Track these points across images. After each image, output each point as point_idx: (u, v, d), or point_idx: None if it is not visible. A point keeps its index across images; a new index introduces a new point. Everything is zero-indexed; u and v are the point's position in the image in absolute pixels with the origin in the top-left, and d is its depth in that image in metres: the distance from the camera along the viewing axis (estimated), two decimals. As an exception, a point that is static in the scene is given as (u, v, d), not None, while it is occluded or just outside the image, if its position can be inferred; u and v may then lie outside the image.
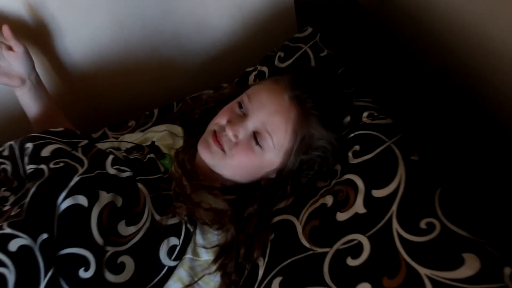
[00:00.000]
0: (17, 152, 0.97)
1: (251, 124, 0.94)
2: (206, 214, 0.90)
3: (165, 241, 0.87)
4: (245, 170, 0.97)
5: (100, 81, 1.36)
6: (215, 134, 0.96)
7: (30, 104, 1.14)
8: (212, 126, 0.99)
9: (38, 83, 1.13)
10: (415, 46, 1.09)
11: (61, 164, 0.88)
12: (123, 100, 1.43)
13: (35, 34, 1.19)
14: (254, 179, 0.99)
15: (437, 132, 0.91)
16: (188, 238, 0.90)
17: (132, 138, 1.15)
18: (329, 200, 0.88)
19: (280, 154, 0.94)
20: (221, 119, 0.98)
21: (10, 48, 1.06)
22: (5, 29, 1.04)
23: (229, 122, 0.95)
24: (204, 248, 0.89)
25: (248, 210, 0.94)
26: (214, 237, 0.91)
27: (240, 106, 0.97)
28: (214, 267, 0.88)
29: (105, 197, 0.86)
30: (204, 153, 0.97)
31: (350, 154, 0.91)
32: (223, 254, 0.89)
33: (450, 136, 0.90)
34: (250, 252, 0.89)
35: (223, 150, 0.95)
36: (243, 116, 0.96)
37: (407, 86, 0.99)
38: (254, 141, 0.93)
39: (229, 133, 0.94)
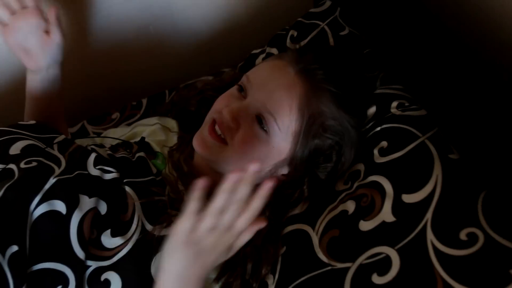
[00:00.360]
0: None
1: (252, 105, 0.94)
2: None
3: (158, 255, 0.88)
4: (250, 160, 0.96)
5: (75, 65, 1.36)
6: (212, 124, 0.97)
7: (34, 93, 1.14)
8: (210, 115, 1.00)
9: (53, 80, 1.14)
10: (455, 23, 1.09)
11: (34, 164, 0.89)
12: (105, 87, 1.44)
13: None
14: (261, 176, 0.99)
15: (480, 126, 0.92)
16: None
17: (118, 133, 1.16)
18: (350, 206, 0.88)
19: (288, 138, 0.94)
20: (219, 105, 0.98)
21: (48, 32, 1.08)
22: (53, 11, 1.06)
23: (227, 106, 0.96)
24: None
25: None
26: None
27: (240, 89, 0.98)
28: (216, 287, 0.89)
29: (86, 202, 0.86)
30: (199, 148, 0.97)
31: (376, 151, 0.92)
32: (227, 271, 0.90)
33: (496, 131, 0.91)
34: (258, 267, 0.90)
35: (220, 141, 0.95)
36: (243, 99, 0.97)
37: (445, 71, 0.99)
38: (257, 126, 0.94)
39: (227, 116, 0.94)
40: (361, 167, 0.93)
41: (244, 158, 0.96)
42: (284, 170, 0.98)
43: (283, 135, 0.94)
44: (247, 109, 0.95)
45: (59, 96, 1.17)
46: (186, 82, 1.34)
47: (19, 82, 1.23)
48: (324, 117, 0.94)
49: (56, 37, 1.08)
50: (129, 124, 1.26)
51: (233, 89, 1.00)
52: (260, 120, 0.93)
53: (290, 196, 0.97)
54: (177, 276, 0.78)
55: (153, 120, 1.17)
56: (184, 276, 0.78)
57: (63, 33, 1.08)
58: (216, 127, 0.96)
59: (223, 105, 0.97)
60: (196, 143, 0.97)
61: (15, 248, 0.81)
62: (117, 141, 1.08)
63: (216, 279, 0.89)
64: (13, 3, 1.06)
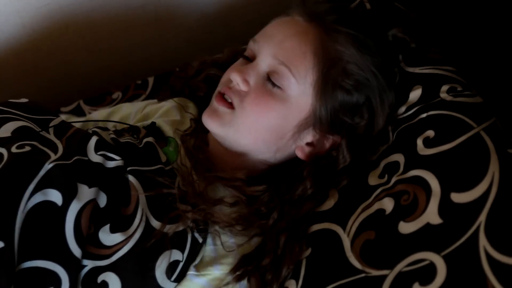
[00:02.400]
0: None
1: (262, 62, 0.98)
2: (231, 211, 0.93)
3: (165, 255, 0.89)
4: (267, 126, 0.98)
5: (72, 38, 1.38)
6: (220, 94, 0.99)
7: None
8: (217, 88, 1.03)
9: None
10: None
11: (27, 148, 0.89)
12: (106, 63, 1.45)
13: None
14: (285, 147, 1.00)
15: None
16: (195, 252, 0.91)
17: (125, 111, 1.17)
18: (388, 204, 0.88)
19: (307, 89, 0.96)
20: (225, 75, 1.02)
21: None
22: None
23: (234, 68, 1.00)
24: (227, 251, 0.92)
25: (299, 190, 0.96)
26: (230, 240, 0.93)
27: (247, 58, 1.02)
28: (232, 276, 0.90)
29: (86, 192, 0.87)
30: (209, 122, 0.99)
31: (419, 141, 0.92)
32: (248, 260, 0.91)
33: None
34: (279, 263, 0.90)
35: (230, 107, 0.97)
36: (252, 62, 1.00)
37: (507, 51, 0.99)
38: (270, 84, 0.96)
39: (237, 78, 0.97)
40: (400, 158, 0.93)
41: (260, 123, 0.98)
42: (309, 136, 0.99)
43: (301, 87, 0.96)
44: (258, 68, 0.98)
45: None
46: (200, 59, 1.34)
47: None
48: (344, 61, 0.96)
49: None
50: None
51: (239, 60, 1.04)
52: (271, 79, 0.96)
53: (334, 163, 0.98)
54: None
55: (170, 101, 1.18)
56: None
57: None
58: (226, 96, 0.98)
59: (230, 73, 1.00)
60: (206, 116, 1.00)
61: (0, 244, 0.81)
62: (125, 124, 1.10)
63: (233, 270, 0.91)
64: None
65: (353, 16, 1.00)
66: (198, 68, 1.20)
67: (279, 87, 0.95)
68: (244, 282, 0.91)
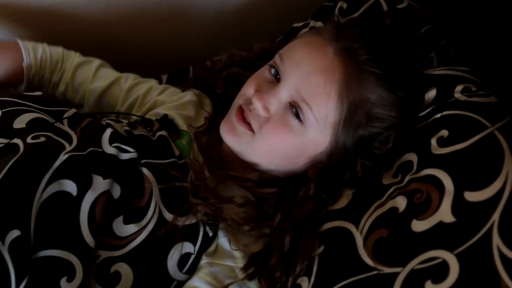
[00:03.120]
0: None
1: (284, 91, 0.95)
2: (239, 210, 0.93)
3: (177, 247, 0.90)
4: (282, 154, 0.98)
5: (88, 35, 1.39)
6: (240, 110, 0.98)
7: None
8: (237, 100, 1.01)
9: None
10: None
11: (42, 139, 0.90)
12: (120, 60, 1.45)
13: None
14: (296, 169, 1.00)
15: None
16: (206, 245, 0.92)
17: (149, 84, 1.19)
18: (401, 203, 0.88)
19: (326, 130, 0.94)
20: (247, 89, 0.99)
21: None
22: None
23: (258, 91, 0.96)
24: (233, 249, 0.92)
25: (302, 192, 0.96)
26: (244, 239, 0.93)
27: (272, 70, 0.99)
28: (244, 274, 0.91)
29: (100, 183, 0.88)
30: (227, 136, 0.99)
31: (433, 141, 0.91)
32: (258, 258, 0.91)
33: None
34: (293, 258, 0.91)
35: (251, 129, 0.97)
36: (276, 82, 0.97)
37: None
38: (291, 115, 0.94)
39: (257, 104, 0.95)
40: (413, 157, 0.93)
41: (273, 151, 0.98)
42: (322, 162, 0.99)
43: (320, 127, 0.94)
44: (280, 95, 0.95)
45: None
46: (213, 58, 1.34)
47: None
48: (369, 105, 0.94)
49: None
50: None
51: (264, 70, 1.01)
52: (295, 109, 0.94)
53: (341, 176, 0.97)
54: None
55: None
56: None
57: None
58: (245, 115, 0.97)
59: (252, 89, 0.98)
60: (224, 130, 1.00)
61: (16, 233, 0.82)
62: (138, 117, 1.10)
63: (245, 268, 0.91)
64: None
65: (386, 50, 0.96)
66: (225, 63, 1.18)
67: (300, 120, 0.94)
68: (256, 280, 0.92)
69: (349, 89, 0.92)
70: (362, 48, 0.94)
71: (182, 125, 1.08)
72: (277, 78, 0.98)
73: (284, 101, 0.95)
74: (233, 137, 0.99)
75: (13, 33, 1.30)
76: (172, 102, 1.15)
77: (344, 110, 0.93)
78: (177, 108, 1.12)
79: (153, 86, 1.21)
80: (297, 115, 0.94)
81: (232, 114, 0.99)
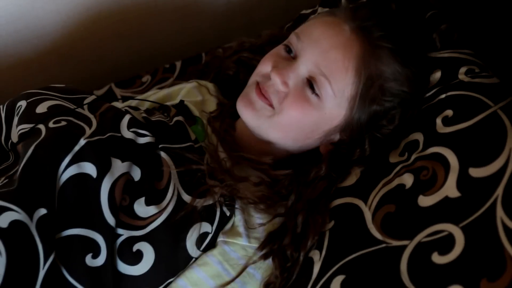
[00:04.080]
0: (2, 114, 1.01)
1: (303, 66, 0.95)
2: (254, 190, 0.93)
3: (195, 227, 0.90)
4: (299, 128, 0.98)
5: (105, 24, 1.39)
6: (258, 86, 0.98)
7: None
8: (254, 77, 1.01)
9: None
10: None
11: (63, 123, 0.91)
12: (135, 48, 1.46)
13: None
14: (310, 144, 1.00)
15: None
16: (223, 224, 0.93)
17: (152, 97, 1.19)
18: (408, 180, 0.89)
19: (343, 103, 0.95)
20: (264, 67, 0.99)
21: None
22: None
23: (275, 67, 0.96)
24: (248, 229, 0.92)
25: (313, 173, 0.96)
26: (258, 219, 0.94)
27: (288, 49, 0.99)
28: (259, 254, 0.91)
29: (119, 166, 0.88)
30: (245, 111, 0.99)
31: (439, 120, 0.92)
32: (273, 238, 0.91)
33: None
34: (304, 234, 0.91)
35: (271, 105, 0.97)
36: (292, 60, 0.98)
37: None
38: (309, 89, 0.95)
39: (276, 80, 0.95)
40: (419, 136, 0.93)
41: (293, 125, 0.97)
42: (335, 137, 0.99)
43: (337, 100, 0.95)
44: (298, 71, 0.96)
45: None
46: (224, 45, 1.35)
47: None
48: (383, 79, 0.95)
49: None
50: (161, 89, 1.28)
51: (279, 49, 1.01)
52: (311, 84, 0.94)
53: (351, 154, 0.98)
54: None
55: (191, 81, 1.18)
56: None
57: None
58: (263, 91, 0.97)
59: (269, 67, 0.98)
60: (241, 105, 0.99)
61: (43, 211, 0.83)
62: (155, 103, 1.10)
63: (260, 247, 0.91)
64: None
65: (397, 28, 0.97)
66: (236, 49, 1.18)
67: (316, 95, 0.95)
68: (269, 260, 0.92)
69: (366, 64, 0.94)
70: (375, 26, 0.95)
71: (195, 111, 1.08)
72: (292, 56, 0.98)
73: (302, 76, 0.95)
74: (252, 111, 0.98)
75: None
76: (177, 94, 1.16)
77: (361, 84, 0.94)
78: (184, 97, 1.12)
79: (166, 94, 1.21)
80: (314, 90, 0.94)
81: (251, 89, 0.99)
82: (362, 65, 0.94)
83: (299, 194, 0.94)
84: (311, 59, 0.95)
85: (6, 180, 0.88)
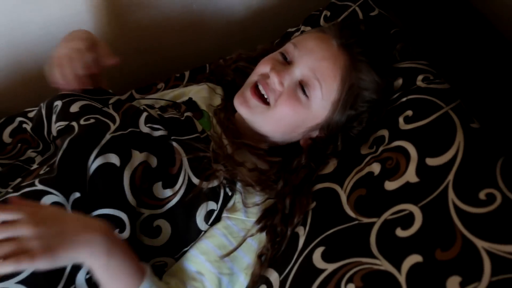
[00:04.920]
0: (43, 111, 1.01)
1: (298, 70, 0.95)
2: (251, 174, 0.92)
3: (203, 206, 0.90)
4: (288, 124, 0.97)
5: (126, 40, 1.38)
6: (254, 86, 0.97)
7: None
8: (253, 76, 1.00)
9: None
10: (479, 4, 1.08)
11: (92, 121, 0.91)
12: (151, 60, 1.45)
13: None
14: (294, 137, 1.00)
15: (500, 99, 0.91)
16: (226, 202, 0.92)
17: (167, 96, 1.18)
18: (376, 168, 0.89)
19: (327, 106, 0.95)
20: (263, 68, 0.99)
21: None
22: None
23: (273, 69, 0.96)
24: (246, 206, 0.92)
25: (296, 162, 0.95)
26: (256, 198, 0.93)
27: (284, 56, 0.98)
28: (256, 227, 0.90)
29: (138, 156, 0.88)
30: (241, 108, 0.98)
31: (401, 119, 0.92)
32: (267, 214, 0.91)
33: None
34: (292, 213, 0.91)
35: (263, 102, 0.96)
36: (287, 64, 0.97)
37: (467, 48, 0.99)
38: (300, 90, 0.94)
39: (274, 79, 0.94)
40: (385, 133, 0.93)
41: (284, 120, 0.97)
42: (314, 133, 0.99)
43: (323, 103, 0.95)
44: (293, 74, 0.95)
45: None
46: (225, 57, 1.34)
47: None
48: (361, 88, 0.95)
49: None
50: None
51: (276, 54, 1.00)
52: (302, 86, 0.94)
53: (325, 149, 0.98)
54: None
55: (202, 84, 1.17)
56: None
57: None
58: (260, 88, 0.96)
59: (268, 68, 0.97)
60: (238, 103, 0.99)
61: (77, 194, 0.83)
62: (167, 102, 1.10)
63: (257, 221, 0.91)
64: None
65: (371, 44, 0.97)
66: (235, 59, 1.18)
67: (306, 96, 0.94)
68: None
69: (349, 74, 0.94)
70: (355, 43, 0.95)
71: (202, 106, 1.08)
72: (287, 62, 0.98)
73: (295, 79, 0.95)
74: (246, 108, 0.97)
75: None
76: (189, 92, 1.15)
77: (344, 91, 0.94)
78: (195, 94, 1.12)
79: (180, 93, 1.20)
80: (304, 92, 0.94)
81: (246, 89, 0.98)
82: (346, 75, 0.94)
83: (285, 180, 0.94)
84: (307, 65, 0.94)
85: (48, 168, 0.88)
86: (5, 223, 0.70)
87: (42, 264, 0.70)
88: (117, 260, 0.77)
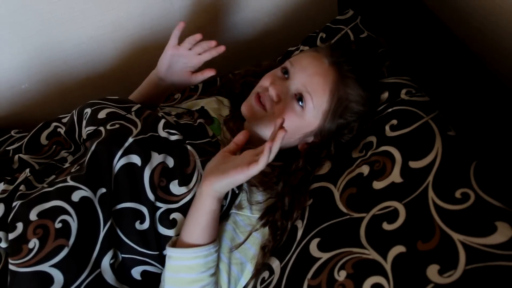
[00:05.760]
0: (75, 117, 1.01)
1: (293, 85, 0.95)
2: (255, 176, 0.92)
3: None
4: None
5: (149, 56, 1.37)
6: (257, 95, 0.97)
7: (147, 86, 1.16)
8: (256, 89, 1.01)
9: (160, 89, 1.15)
10: (455, 26, 1.08)
11: (117, 126, 0.91)
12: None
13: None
14: (292, 142, 0.99)
15: (473, 110, 0.91)
16: (234, 199, 0.92)
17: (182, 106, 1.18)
18: (365, 169, 0.88)
19: (319, 115, 0.94)
20: (264, 82, 0.99)
21: (191, 72, 1.10)
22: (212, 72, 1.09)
23: (272, 83, 0.96)
24: (250, 204, 0.92)
25: (294, 165, 0.95)
26: (259, 197, 0.93)
27: (283, 71, 0.99)
28: (260, 223, 0.90)
29: (156, 157, 0.88)
30: (246, 111, 0.98)
31: (387, 127, 0.92)
32: (269, 211, 0.91)
33: (485, 114, 0.90)
34: (291, 209, 0.91)
35: (264, 108, 0.96)
36: (286, 79, 0.97)
37: (444, 66, 0.99)
38: (295, 102, 0.94)
39: (272, 92, 0.95)
40: (373, 139, 0.93)
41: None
42: (310, 139, 0.99)
43: (315, 112, 0.94)
44: (289, 88, 0.95)
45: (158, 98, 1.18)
46: (233, 71, 1.34)
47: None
48: (349, 100, 0.94)
49: (193, 81, 1.10)
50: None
51: (277, 70, 1.00)
52: (298, 98, 0.94)
53: (320, 153, 0.97)
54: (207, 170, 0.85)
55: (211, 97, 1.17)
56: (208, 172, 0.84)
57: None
58: (261, 99, 0.96)
59: (268, 83, 0.97)
60: (244, 108, 0.99)
61: (103, 190, 0.84)
62: (182, 110, 1.10)
63: (260, 218, 0.91)
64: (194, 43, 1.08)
65: (360, 63, 0.97)
66: (243, 74, 1.18)
67: (301, 106, 0.94)
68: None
69: (338, 88, 0.94)
70: (345, 62, 0.95)
71: (213, 114, 1.08)
72: (285, 77, 0.98)
73: (291, 92, 0.95)
74: (250, 112, 0.97)
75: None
76: (200, 103, 1.14)
77: (333, 103, 0.94)
78: (206, 104, 1.11)
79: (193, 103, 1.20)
80: (299, 103, 0.94)
81: (251, 98, 0.98)
82: (335, 89, 0.93)
83: (285, 181, 0.93)
84: (300, 80, 0.94)
85: (78, 167, 0.88)
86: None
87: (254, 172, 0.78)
88: (218, 212, 0.85)
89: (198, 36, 1.07)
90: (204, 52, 1.07)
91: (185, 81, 1.10)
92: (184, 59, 1.08)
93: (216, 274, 0.86)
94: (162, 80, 1.10)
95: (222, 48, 1.07)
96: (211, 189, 0.82)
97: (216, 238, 0.87)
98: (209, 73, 1.07)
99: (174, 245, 0.85)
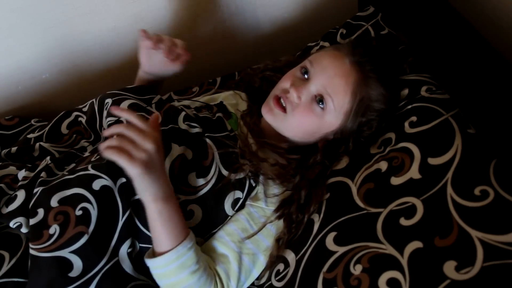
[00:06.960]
0: (96, 107, 1.03)
1: (313, 87, 0.95)
2: (272, 169, 0.93)
3: (231, 194, 0.91)
4: (304, 130, 0.98)
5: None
6: (276, 97, 0.98)
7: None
8: (275, 90, 1.01)
9: (149, 82, 1.11)
10: (478, 24, 1.08)
11: None
12: (188, 67, 1.46)
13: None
14: (312, 140, 1.00)
15: (493, 108, 0.91)
16: (250, 192, 0.93)
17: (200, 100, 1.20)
18: (383, 165, 0.89)
19: (340, 116, 0.95)
20: (284, 83, 0.99)
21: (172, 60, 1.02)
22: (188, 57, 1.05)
23: (293, 85, 0.96)
24: (266, 196, 0.93)
25: (312, 159, 0.96)
26: (275, 190, 0.94)
27: (303, 71, 0.98)
28: (275, 215, 0.91)
29: (176, 149, 0.90)
30: (266, 115, 0.99)
31: (406, 124, 0.92)
32: (285, 204, 0.92)
33: (506, 113, 0.90)
34: (308, 202, 0.92)
35: (284, 111, 0.96)
36: (305, 80, 0.97)
37: (465, 64, 0.99)
38: (315, 103, 0.94)
39: (293, 94, 0.95)
40: (392, 135, 0.93)
41: (300, 127, 0.97)
42: (330, 136, 0.99)
43: (336, 113, 0.94)
44: (309, 89, 0.95)
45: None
46: (252, 66, 1.35)
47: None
48: (370, 100, 0.94)
49: (176, 68, 1.04)
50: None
51: (296, 70, 1.00)
52: (319, 99, 0.94)
53: (338, 148, 0.98)
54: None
55: (229, 91, 1.19)
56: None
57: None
58: (282, 100, 0.97)
59: (288, 84, 0.97)
60: (264, 111, 0.99)
61: (123, 180, 0.85)
62: (201, 103, 1.11)
63: (276, 210, 0.92)
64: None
65: (381, 62, 0.97)
66: (262, 68, 1.18)
67: (321, 108, 0.94)
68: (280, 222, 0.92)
69: (360, 89, 0.93)
70: (367, 62, 0.94)
71: (231, 109, 1.09)
72: (305, 78, 0.98)
73: (311, 94, 0.95)
74: (271, 116, 0.98)
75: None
76: (218, 97, 1.15)
77: (355, 104, 0.93)
78: (223, 100, 1.12)
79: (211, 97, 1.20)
80: (319, 104, 0.94)
81: (270, 100, 0.98)
82: (357, 90, 0.93)
83: (302, 175, 0.94)
84: (321, 82, 0.94)
85: (98, 156, 0.90)
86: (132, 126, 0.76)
87: (132, 172, 0.75)
88: (170, 211, 0.81)
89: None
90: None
91: (168, 71, 1.05)
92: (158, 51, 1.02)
93: (201, 269, 0.85)
94: (149, 74, 1.08)
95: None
96: (141, 194, 0.80)
97: (186, 236, 0.84)
98: (184, 57, 1.03)
99: (151, 256, 0.85)
